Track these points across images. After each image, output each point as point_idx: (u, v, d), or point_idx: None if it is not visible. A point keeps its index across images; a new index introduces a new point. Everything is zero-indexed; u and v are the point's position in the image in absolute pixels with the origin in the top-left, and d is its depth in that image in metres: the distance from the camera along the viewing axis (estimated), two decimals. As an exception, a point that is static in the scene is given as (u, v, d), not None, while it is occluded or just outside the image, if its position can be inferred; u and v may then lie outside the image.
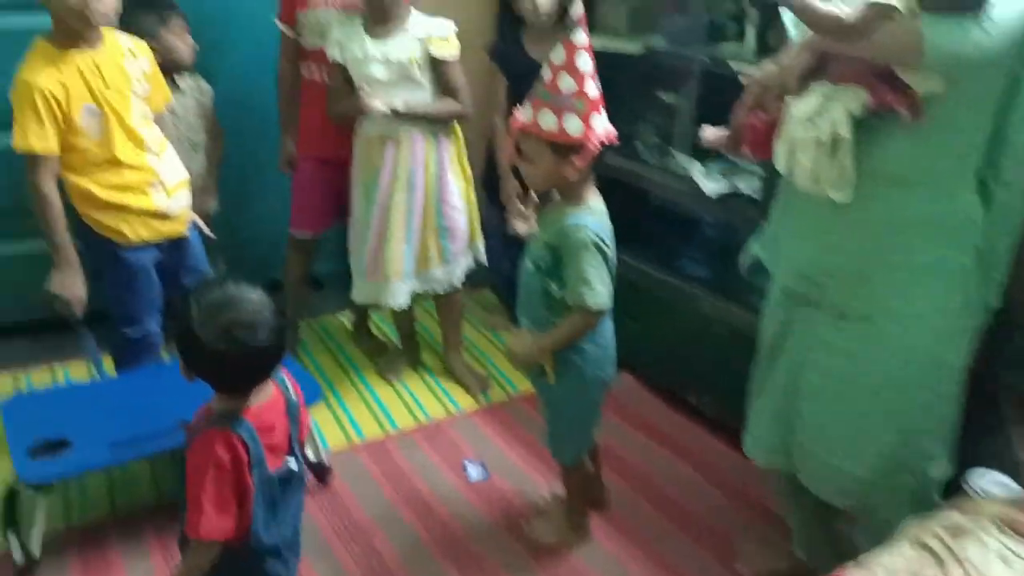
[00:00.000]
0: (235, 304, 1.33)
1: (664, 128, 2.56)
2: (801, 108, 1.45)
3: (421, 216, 2.42)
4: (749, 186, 2.22)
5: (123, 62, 1.95)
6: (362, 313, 2.89)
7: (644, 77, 2.57)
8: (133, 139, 1.96)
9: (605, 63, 2.48)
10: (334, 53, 2.31)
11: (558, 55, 1.61)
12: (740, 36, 2.33)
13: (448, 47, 2.32)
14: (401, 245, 2.41)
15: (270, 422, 1.43)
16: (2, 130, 2.49)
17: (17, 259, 2.71)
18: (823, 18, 1.34)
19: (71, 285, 1.95)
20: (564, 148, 1.63)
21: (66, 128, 1.87)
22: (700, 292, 2.39)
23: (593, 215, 1.72)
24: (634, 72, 2.57)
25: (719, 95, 2.31)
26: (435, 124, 2.39)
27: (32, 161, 1.86)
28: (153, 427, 1.85)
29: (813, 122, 1.42)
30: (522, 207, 1.88)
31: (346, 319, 3.00)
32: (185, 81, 2.50)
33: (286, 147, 2.60)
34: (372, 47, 2.27)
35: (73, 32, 1.86)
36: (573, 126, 1.61)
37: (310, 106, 2.53)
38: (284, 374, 1.49)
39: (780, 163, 1.51)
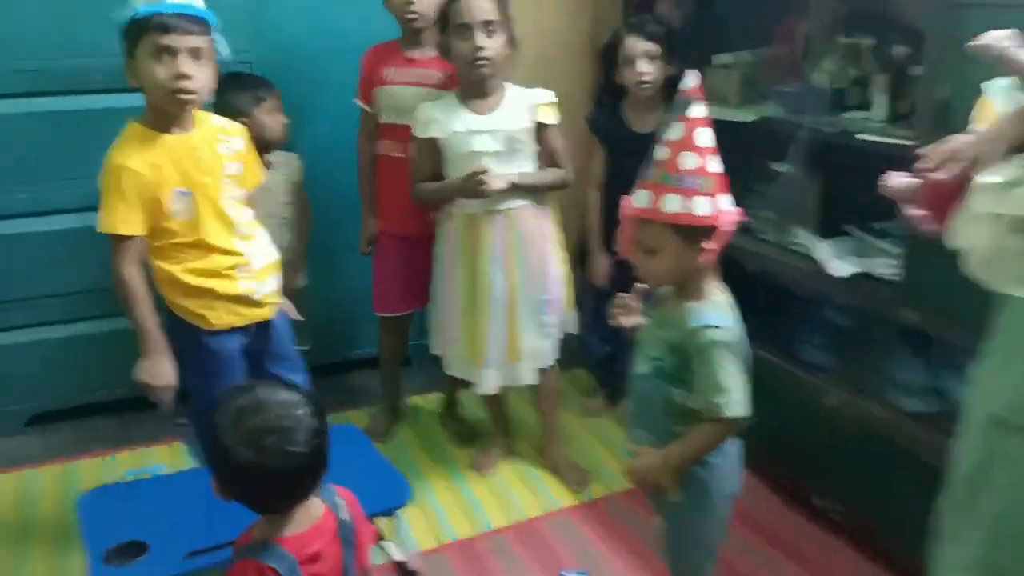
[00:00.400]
0: (264, 408, 1.21)
1: (781, 202, 2.36)
2: (991, 177, 1.21)
3: (521, 299, 2.28)
4: (885, 266, 1.99)
5: (216, 145, 1.88)
6: (452, 394, 2.75)
7: (758, 147, 2.39)
8: (223, 222, 1.88)
9: (718, 133, 2.37)
10: (428, 130, 2.22)
11: (675, 132, 1.45)
12: (865, 104, 2.14)
13: (553, 113, 2.26)
14: (498, 326, 2.28)
15: (315, 550, 1.27)
16: (90, 208, 2.56)
17: (104, 336, 2.69)
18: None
19: (159, 373, 1.86)
20: (693, 233, 1.46)
21: (155, 212, 1.80)
22: (825, 383, 2.15)
23: (723, 310, 1.54)
24: (747, 142, 2.39)
25: (842, 167, 2.13)
26: (539, 194, 2.28)
27: (117, 244, 1.80)
28: (234, 533, 1.72)
29: (1003, 194, 1.19)
30: (626, 297, 1.69)
31: (434, 401, 2.85)
32: (276, 156, 2.47)
33: (367, 226, 2.53)
34: (476, 121, 2.19)
35: (166, 114, 1.81)
36: (702, 207, 1.44)
37: (387, 183, 2.47)
38: (336, 490, 1.34)
39: (956, 239, 1.28)
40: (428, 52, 2.37)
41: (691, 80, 1.45)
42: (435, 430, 2.75)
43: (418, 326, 2.72)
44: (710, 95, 2.34)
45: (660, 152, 1.46)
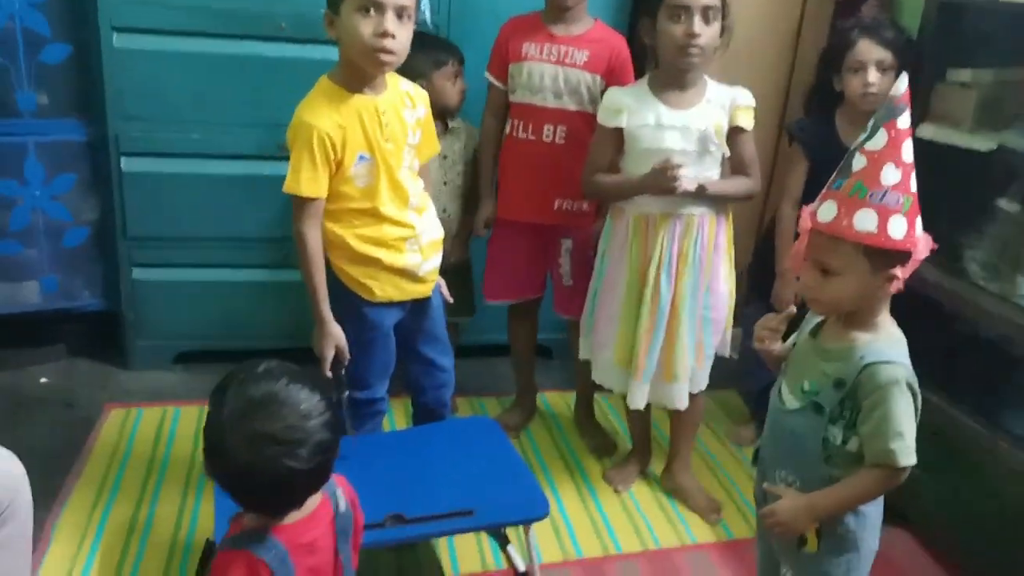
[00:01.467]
0: (276, 409, 1.08)
1: (1005, 245, 2.07)
2: None
3: (685, 315, 2.09)
4: None
5: (403, 111, 1.79)
6: (588, 397, 2.59)
7: (988, 181, 2.10)
8: (398, 192, 1.79)
9: (938, 158, 2.10)
10: (616, 119, 2.04)
11: (877, 141, 1.28)
12: None
13: (751, 116, 2.05)
14: (658, 338, 2.10)
15: (309, 539, 1.17)
16: (260, 157, 2.55)
17: (259, 286, 2.73)
18: None
19: (319, 342, 1.81)
20: (884, 257, 1.29)
21: (336, 174, 1.72)
22: (1030, 457, 1.87)
23: (901, 347, 1.36)
24: (976, 174, 2.11)
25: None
26: (721, 203, 2.08)
27: (299, 204, 1.73)
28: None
29: None
30: (774, 319, 1.49)
31: (570, 399, 2.70)
32: (456, 123, 2.39)
33: (484, 208, 2.39)
34: (670, 115, 2.00)
35: (360, 73, 1.72)
36: (898, 229, 1.27)
37: (512, 166, 2.33)
38: (335, 479, 1.22)
39: None
40: (573, 30, 2.21)
41: (902, 85, 1.30)
42: (570, 433, 2.61)
43: (554, 320, 2.56)
44: (939, 115, 2.12)
45: (858, 161, 1.30)
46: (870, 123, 1.30)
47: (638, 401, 2.16)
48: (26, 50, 2.46)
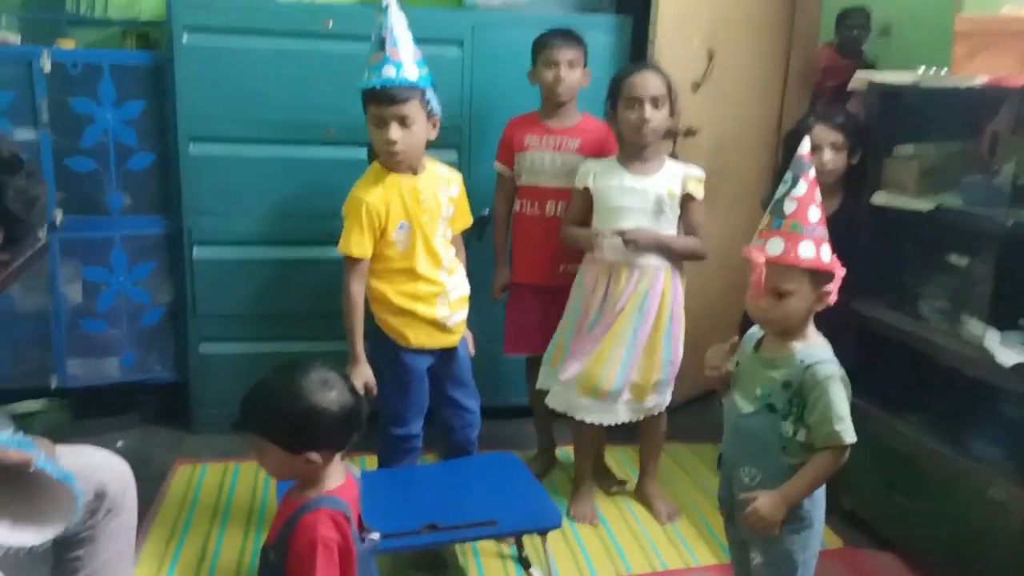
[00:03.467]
0: (311, 373, 1.44)
1: (955, 292, 2.38)
2: None
3: (645, 344, 2.45)
4: (1058, 360, 1.98)
5: (439, 190, 2.21)
6: (598, 451, 2.86)
7: (933, 237, 2.43)
8: (432, 256, 2.18)
9: (891, 220, 2.44)
10: (587, 181, 2.48)
11: (800, 189, 1.64)
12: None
13: (701, 188, 2.47)
14: (616, 366, 2.45)
15: (352, 498, 1.49)
16: (312, 243, 2.95)
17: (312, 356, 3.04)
18: None
19: (361, 374, 2.16)
20: (820, 277, 1.64)
21: (380, 239, 2.12)
22: (991, 475, 2.12)
23: (828, 348, 1.69)
24: (922, 231, 2.44)
25: (1022, 261, 2.15)
26: (671, 259, 2.47)
27: (349, 264, 2.13)
28: (399, 528, 1.93)
29: None
30: (722, 347, 1.82)
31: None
32: None
33: (500, 275, 2.76)
34: (631, 180, 2.44)
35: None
36: (826, 254, 1.64)
37: (524, 238, 2.72)
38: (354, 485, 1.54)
39: None
40: (566, 122, 2.64)
41: (806, 145, 1.70)
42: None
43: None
44: (887, 183, 2.47)
45: (789, 206, 1.65)
46: (789, 175, 1.67)
47: (615, 417, 2.50)
48: (116, 159, 2.93)
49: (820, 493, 1.72)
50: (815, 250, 1.63)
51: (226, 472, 2.84)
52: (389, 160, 2.13)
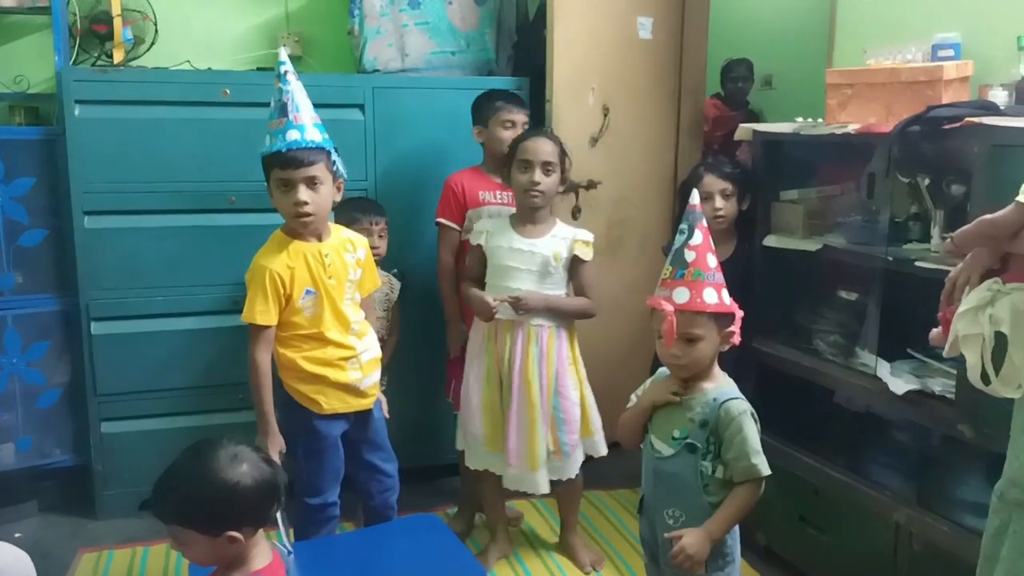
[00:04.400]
0: (238, 449, 1.44)
1: (846, 326, 2.51)
2: (967, 303, 1.39)
3: (539, 407, 2.48)
4: (942, 386, 2.10)
5: (344, 254, 2.20)
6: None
7: (823, 275, 2.56)
8: (340, 320, 2.17)
9: (783, 261, 2.56)
10: (479, 239, 2.55)
11: (696, 237, 1.75)
12: (925, 236, 2.30)
13: (589, 251, 2.54)
14: (518, 429, 2.49)
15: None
16: (215, 312, 2.90)
17: (217, 428, 2.93)
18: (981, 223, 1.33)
19: (274, 443, 2.11)
20: (724, 319, 1.75)
21: (286, 306, 2.10)
22: (894, 501, 2.22)
23: (736, 387, 1.79)
24: (812, 270, 2.57)
25: (904, 294, 2.28)
26: (560, 318, 2.53)
27: (254, 332, 2.09)
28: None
29: (977, 318, 1.36)
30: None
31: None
32: (380, 274, 2.75)
33: (455, 332, 2.76)
34: (519, 241, 2.51)
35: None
36: (726, 297, 1.76)
37: None
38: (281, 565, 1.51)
39: (947, 353, 1.45)
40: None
41: (696, 196, 1.81)
42: (512, 532, 2.86)
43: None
44: (776, 226, 2.60)
45: (689, 255, 1.75)
46: (684, 226, 1.77)
47: (510, 483, 2.54)
48: (6, 236, 2.82)
49: (737, 529, 1.78)
50: (716, 295, 1.74)
51: (134, 558, 2.71)
52: (297, 224, 2.11)
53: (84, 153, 2.75)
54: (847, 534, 2.37)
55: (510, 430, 2.49)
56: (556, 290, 2.53)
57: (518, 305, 2.43)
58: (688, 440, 1.74)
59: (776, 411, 2.57)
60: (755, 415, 1.75)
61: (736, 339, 1.78)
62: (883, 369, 2.25)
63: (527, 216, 2.53)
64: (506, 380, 2.50)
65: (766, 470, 1.71)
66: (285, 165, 2.06)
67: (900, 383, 2.16)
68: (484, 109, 2.73)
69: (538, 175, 2.45)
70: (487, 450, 2.55)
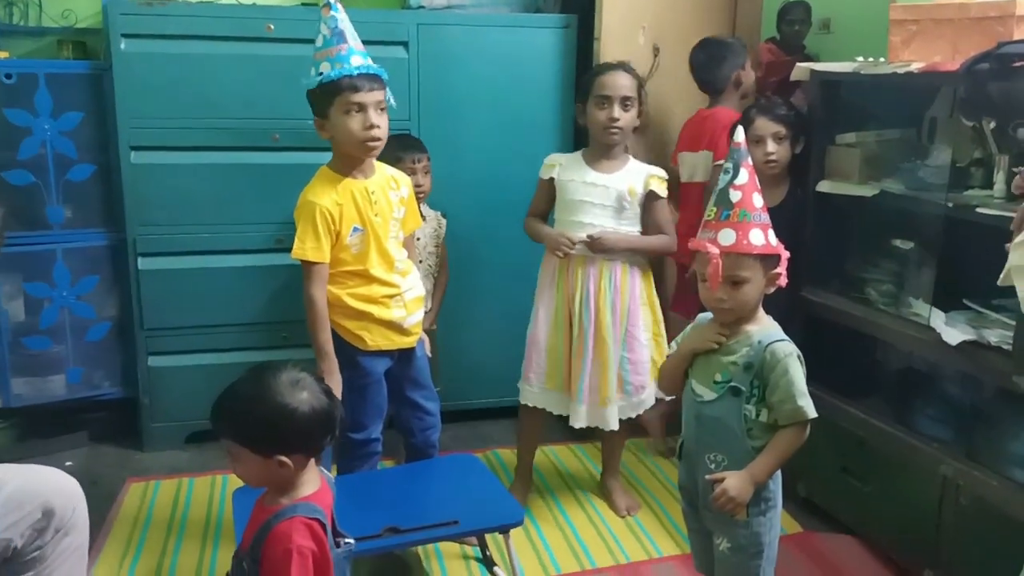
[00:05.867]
0: (283, 374, 1.42)
1: (900, 275, 2.43)
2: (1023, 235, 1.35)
3: (610, 344, 2.45)
4: (999, 337, 2.03)
5: (389, 191, 2.17)
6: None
7: (877, 222, 2.49)
8: (385, 258, 2.15)
9: (836, 207, 2.49)
10: (551, 172, 2.50)
11: (742, 177, 1.67)
12: (987, 183, 2.21)
13: (664, 186, 2.49)
14: (587, 364, 2.46)
15: (327, 505, 1.46)
16: (261, 250, 2.91)
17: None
18: None
19: (334, 386, 2.09)
20: (771, 261, 1.69)
21: (335, 243, 2.08)
22: (941, 453, 2.17)
23: (780, 329, 1.73)
24: (867, 217, 2.49)
25: (962, 242, 2.20)
26: (634, 256, 2.48)
27: (307, 270, 2.08)
28: (360, 532, 1.89)
29: None
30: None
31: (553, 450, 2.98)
32: (427, 211, 2.74)
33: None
34: (593, 175, 2.46)
35: (351, 162, 2.11)
36: (773, 238, 1.69)
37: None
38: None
39: (1001, 282, 1.41)
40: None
41: (741, 134, 1.73)
42: (548, 476, 2.88)
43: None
44: (831, 171, 2.52)
45: (734, 195, 1.67)
46: (729, 165, 1.69)
47: (579, 421, 2.50)
48: (56, 171, 2.85)
49: (780, 474, 1.74)
50: (763, 235, 1.67)
51: (180, 488, 2.77)
52: (364, 150, 2.07)
53: (130, 88, 2.76)
54: (891, 486, 2.33)
55: (582, 366, 2.46)
56: (631, 227, 2.48)
57: (596, 245, 2.39)
58: (732, 383, 1.70)
59: (823, 361, 2.53)
60: (801, 357, 1.69)
61: (783, 281, 1.71)
62: (937, 319, 2.18)
63: (601, 151, 2.47)
64: (577, 316, 2.46)
65: (812, 412, 1.65)
66: (358, 88, 2.02)
67: (955, 333, 2.09)
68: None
69: (617, 111, 2.39)
70: (547, 387, 2.54)
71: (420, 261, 2.73)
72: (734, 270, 1.66)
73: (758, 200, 1.68)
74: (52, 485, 1.69)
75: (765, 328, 1.72)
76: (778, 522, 1.77)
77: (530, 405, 2.58)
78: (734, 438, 1.70)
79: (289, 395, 1.39)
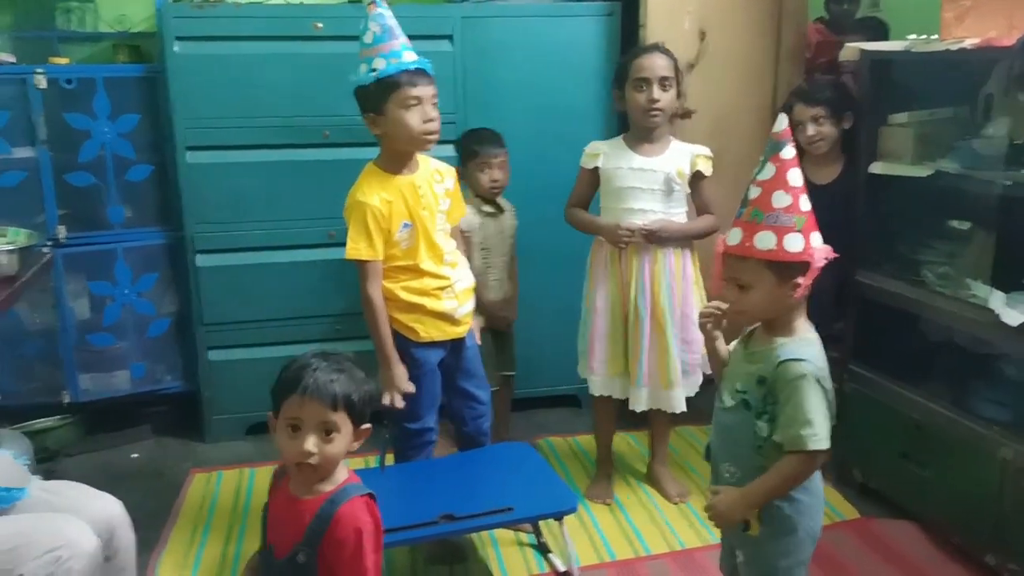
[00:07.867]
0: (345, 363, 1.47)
1: (956, 255, 2.39)
2: None
3: (669, 327, 2.45)
4: (1063, 318, 1.99)
5: (434, 184, 2.20)
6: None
7: (933, 203, 2.44)
8: (434, 251, 2.18)
9: (890, 189, 2.45)
10: (595, 162, 2.49)
11: (767, 172, 1.50)
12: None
13: (710, 165, 2.47)
14: (647, 348, 2.48)
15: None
16: (314, 245, 2.97)
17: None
18: None
19: (399, 380, 2.15)
20: (787, 269, 1.49)
21: (385, 240, 2.11)
22: (1001, 436, 2.13)
23: (812, 347, 1.55)
24: (921, 198, 2.45)
25: (1022, 221, 2.16)
26: (684, 240, 2.48)
27: (362, 268, 2.11)
28: (416, 519, 1.94)
29: None
30: (715, 305, 1.67)
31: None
32: (505, 203, 2.75)
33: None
34: (640, 160, 2.45)
35: (398, 158, 2.14)
36: (795, 244, 1.47)
37: None
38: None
39: None
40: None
41: (781, 123, 1.51)
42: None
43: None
44: (884, 152, 2.48)
45: (753, 192, 1.51)
46: (761, 158, 1.51)
47: (639, 404, 2.52)
48: (115, 172, 2.94)
49: (808, 501, 1.59)
50: (775, 240, 1.47)
51: (242, 478, 2.86)
52: (419, 143, 2.10)
53: (185, 89, 2.83)
54: (950, 471, 2.30)
55: (640, 351, 2.47)
56: (679, 209, 2.48)
57: (653, 239, 2.40)
58: (745, 396, 1.57)
59: (877, 345, 2.51)
60: (825, 382, 1.50)
61: (799, 292, 1.50)
62: (997, 300, 2.14)
63: (643, 135, 2.47)
64: (632, 303, 2.47)
65: (815, 444, 1.46)
66: (416, 82, 2.05)
67: (1015, 314, 2.05)
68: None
69: (656, 92, 2.38)
70: (610, 375, 2.55)
71: (503, 255, 2.74)
72: (733, 272, 1.54)
73: (781, 199, 1.47)
74: (108, 509, 1.73)
75: (791, 343, 1.54)
76: (800, 551, 1.61)
77: (597, 395, 2.60)
78: (744, 452, 1.58)
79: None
